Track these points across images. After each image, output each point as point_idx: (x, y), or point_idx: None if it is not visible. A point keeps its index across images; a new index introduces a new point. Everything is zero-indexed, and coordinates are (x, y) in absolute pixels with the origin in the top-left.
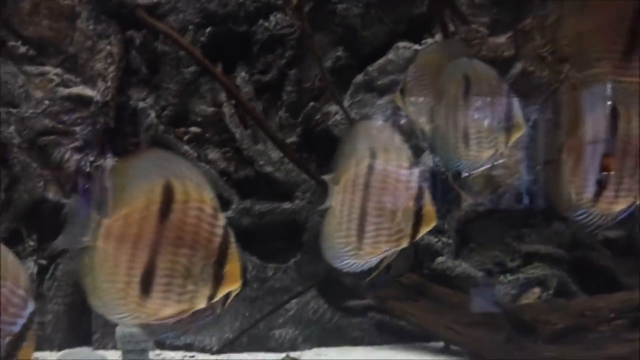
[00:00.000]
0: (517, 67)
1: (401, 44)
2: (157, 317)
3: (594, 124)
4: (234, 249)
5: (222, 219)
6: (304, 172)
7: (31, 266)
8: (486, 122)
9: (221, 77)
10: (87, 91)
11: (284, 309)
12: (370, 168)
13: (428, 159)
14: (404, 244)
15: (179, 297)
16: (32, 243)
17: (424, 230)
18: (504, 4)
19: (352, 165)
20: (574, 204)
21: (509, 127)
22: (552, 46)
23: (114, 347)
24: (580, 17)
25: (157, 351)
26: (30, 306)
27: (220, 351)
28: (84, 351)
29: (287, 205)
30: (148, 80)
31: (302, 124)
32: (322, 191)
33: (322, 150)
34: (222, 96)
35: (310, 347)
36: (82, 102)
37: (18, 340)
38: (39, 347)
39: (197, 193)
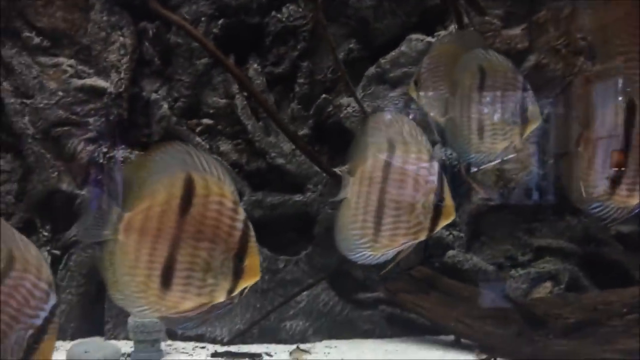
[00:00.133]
0: (531, 59)
1: (414, 36)
2: (177, 310)
3: (611, 117)
4: (253, 242)
5: (242, 213)
6: (316, 164)
7: (45, 256)
8: (501, 114)
9: (233, 69)
10: (101, 82)
11: (294, 301)
12: (389, 160)
13: (440, 152)
14: (422, 237)
15: (199, 291)
16: (45, 233)
17: (442, 224)
18: None
19: (369, 157)
20: (590, 197)
21: (524, 119)
22: (566, 39)
23: (126, 337)
24: (604, 9)
25: (169, 341)
26: (53, 299)
27: (231, 342)
28: (96, 341)
29: (298, 197)
30: (161, 71)
31: (314, 116)
32: (334, 183)
33: (333, 143)
34: (235, 88)
35: (321, 339)
36: (96, 93)
37: (40, 333)
38: None
39: (217, 187)
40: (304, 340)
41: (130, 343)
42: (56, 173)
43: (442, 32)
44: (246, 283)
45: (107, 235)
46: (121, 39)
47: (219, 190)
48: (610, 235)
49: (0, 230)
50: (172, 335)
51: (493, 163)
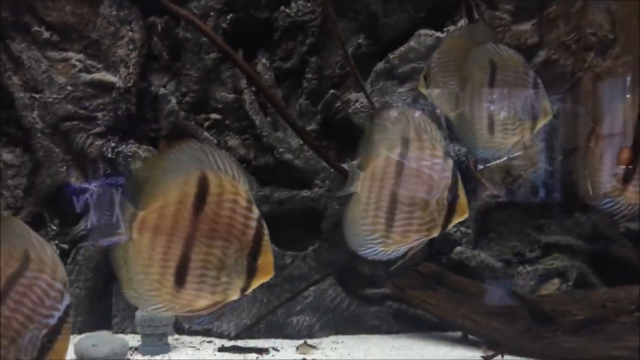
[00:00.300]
0: (541, 55)
1: (423, 31)
2: (191, 308)
3: (623, 113)
4: (267, 241)
5: (256, 212)
6: (324, 160)
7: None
8: (512, 109)
9: (242, 64)
10: (109, 77)
11: (301, 297)
12: (404, 156)
13: (448, 148)
14: (435, 234)
15: (213, 289)
16: (54, 227)
17: (456, 221)
18: None
19: (382, 152)
20: (600, 192)
21: (535, 114)
22: (576, 34)
23: (134, 331)
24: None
25: (176, 336)
26: (67, 299)
27: (238, 337)
28: (103, 335)
29: (306, 193)
30: (169, 66)
31: (322, 112)
32: (342, 179)
33: (341, 138)
34: (243, 83)
35: (328, 335)
36: (104, 87)
37: (54, 333)
38: None
39: (231, 186)
40: (310, 336)
41: (138, 337)
42: (65, 167)
43: (452, 28)
44: (260, 281)
45: (121, 234)
46: (130, 33)
47: (233, 188)
48: (619, 232)
49: (16, 230)
50: (179, 330)
51: (501, 160)
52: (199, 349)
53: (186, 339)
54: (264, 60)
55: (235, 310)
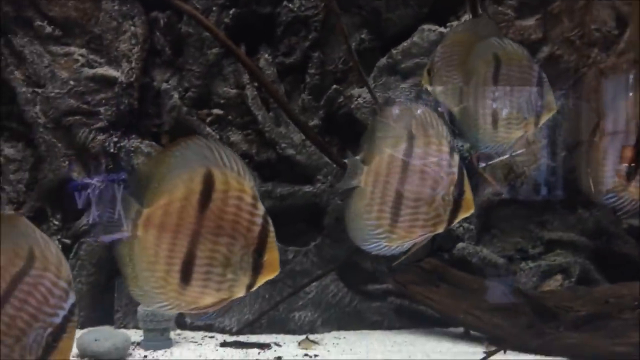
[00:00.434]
0: (545, 50)
1: (426, 26)
2: (197, 305)
3: (627, 109)
4: (273, 238)
5: (261, 208)
6: (326, 155)
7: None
8: (516, 104)
9: (244, 59)
10: (112, 72)
11: (303, 292)
12: (409, 150)
13: (454, 143)
14: (440, 229)
15: (219, 286)
16: (56, 222)
17: (461, 217)
18: None
19: (387, 147)
20: (604, 188)
21: (539, 109)
22: (580, 30)
23: (136, 327)
24: None
25: (178, 331)
26: (72, 298)
27: (240, 332)
28: (106, 329)
29: (308, 188)
30: (172, 61)
31: (324, 107)
32: (344, 174)
33: (344, 134)
34: (245, 78)
35: (330, 330)
36: (107, 82)
37: (59, 331)
38: None
39: (237, 182)
40: (312, 331)
41: (140, 332)
42: (67, 162)
43: (455, 23)
44: (265, 278)
45: (126, 231)
46: (132, 28)
47: (239, 185)
48: (622, 229)
49: (21, 228)
50: (182, 325)
51: (503, 157)
52: (201, 344)
53: (188, 334)
54: (266, 56)
55: (237, 305)
